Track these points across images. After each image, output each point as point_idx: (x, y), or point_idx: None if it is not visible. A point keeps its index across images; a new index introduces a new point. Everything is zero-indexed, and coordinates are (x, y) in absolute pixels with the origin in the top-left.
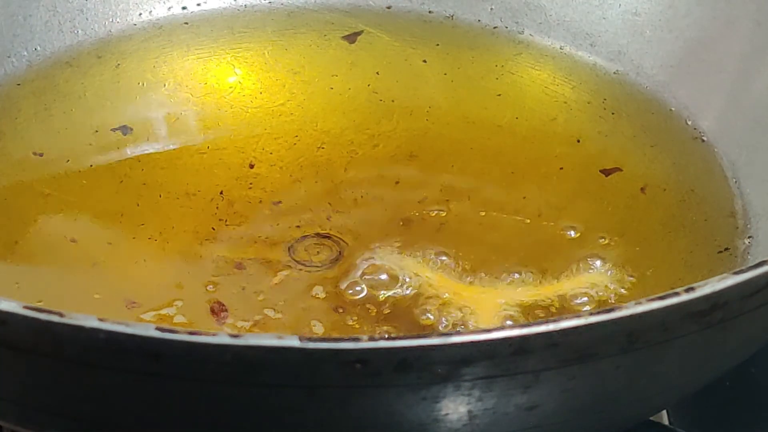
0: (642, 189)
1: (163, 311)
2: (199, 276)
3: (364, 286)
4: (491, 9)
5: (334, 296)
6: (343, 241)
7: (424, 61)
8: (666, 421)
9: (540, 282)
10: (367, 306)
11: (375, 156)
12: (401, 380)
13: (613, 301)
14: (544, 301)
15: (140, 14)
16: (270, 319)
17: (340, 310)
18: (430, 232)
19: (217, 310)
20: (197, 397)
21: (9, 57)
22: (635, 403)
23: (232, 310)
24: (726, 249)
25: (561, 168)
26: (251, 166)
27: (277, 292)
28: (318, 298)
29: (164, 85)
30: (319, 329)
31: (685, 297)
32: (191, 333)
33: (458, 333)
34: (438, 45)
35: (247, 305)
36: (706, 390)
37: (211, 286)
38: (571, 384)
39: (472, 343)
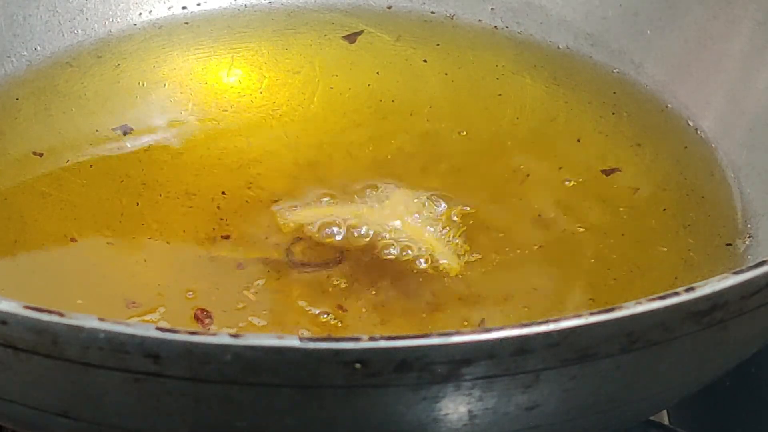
0: (642, 189)
1: (146, 316)
2: (198, 277)
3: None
4: (492, 9)
5: (330, 298)
6: (343, 241)
7: (425, 61)
8: (666, 421)
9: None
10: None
11: (375, 156)
12: (401, 380)
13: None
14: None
15: (140, 14)
16: (255, 327)
17: (332, 314)
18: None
19: (201, 316)
20: (197, 397)
21: (9, 57)
22: (635, 403)
23: (216, 315)
24: (726, 248)
25: (561, 168)
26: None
27: (267, 296)
28: (307, 303)
29: (164, 85)
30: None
31: (685, 297)
32: (191, 333)
33: (458, 333)
34: (438, 45)
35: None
36: (706, 390)
37: (190, 293)
38: (571, 384)
39: (472, 342)
